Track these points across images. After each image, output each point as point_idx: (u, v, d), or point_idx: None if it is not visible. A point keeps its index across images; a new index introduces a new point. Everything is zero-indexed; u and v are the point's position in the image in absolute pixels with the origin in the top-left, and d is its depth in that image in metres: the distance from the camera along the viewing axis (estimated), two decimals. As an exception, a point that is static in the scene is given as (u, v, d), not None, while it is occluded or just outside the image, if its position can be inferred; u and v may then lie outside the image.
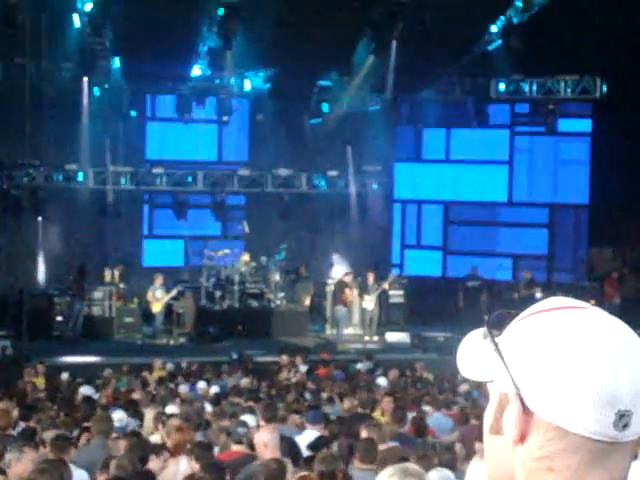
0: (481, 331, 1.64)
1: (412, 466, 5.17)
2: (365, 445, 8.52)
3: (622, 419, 1.48)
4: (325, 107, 28.22)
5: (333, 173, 28.82)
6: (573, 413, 1.50)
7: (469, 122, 29.15)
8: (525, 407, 1.54)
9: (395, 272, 28.59)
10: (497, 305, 26.03)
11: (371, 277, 25.42)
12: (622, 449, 1.51)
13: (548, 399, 1.51)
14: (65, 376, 17.87)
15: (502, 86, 28.17)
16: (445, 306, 26.59)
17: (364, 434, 9.44)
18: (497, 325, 1.63)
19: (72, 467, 8.04)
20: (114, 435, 9.90)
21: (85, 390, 14.97)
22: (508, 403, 1.56)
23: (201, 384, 16.49)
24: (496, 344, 1.59)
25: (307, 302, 26.35)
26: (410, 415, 11.87)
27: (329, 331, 25.66)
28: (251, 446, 9.01)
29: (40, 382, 17.09)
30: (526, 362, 1.54)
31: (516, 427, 1.54)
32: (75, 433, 10.52)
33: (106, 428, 9.69)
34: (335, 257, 27.42)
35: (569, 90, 27.63)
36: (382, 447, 9.00)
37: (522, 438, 1.55)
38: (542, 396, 1.52)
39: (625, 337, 1.53)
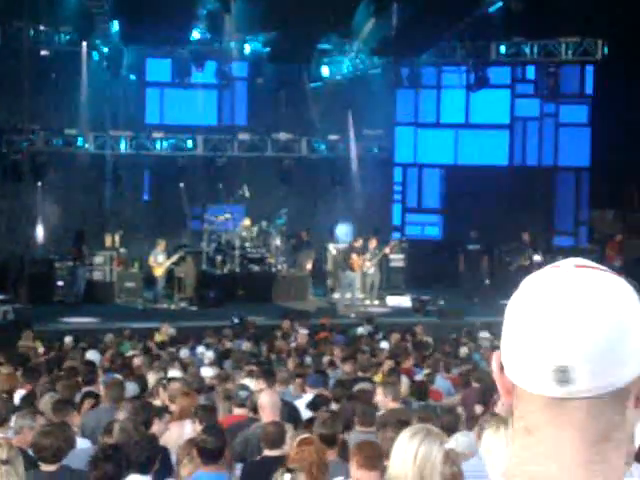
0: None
1: (434, 428, 5.17)
2: (364, 408, 8.55)
3: (560, 374, 1.49)
4: (325, 71, 28.11)
5: (333, 137, 28.75)
6: (521, 371, 1.53)
7: (469, 85, 29.06)
8: (502, 366, 1.58)
9: (396, 236, 28.59)
10: (498, 268, 26.09)
11: (372, 242, 25.39)
12: (580, 405, 1.51)
13: (505, 359, 1.56)
14: (68, 340, 17.92)
15: (503, 48, 28.06)
16: (446, 270, 26.60)
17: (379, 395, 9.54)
18: None
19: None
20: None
21: (90, 355, 15.00)
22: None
23: (202, 348, 16.54)
24: None
25: (308, 267, 26.35)
26: (407, 378, 11.91)
27: (334, 296, 25.64)
28: (253, 409, 9.05)
29: (39, 346, 17.12)
30: (505, 321, 1.57)
31: (498, 383, 1.59)
32: (77, 398, 10.55)
33: (117, 394, 9.72)
34: (339, 222, 27.41)
35: (570, 52, 27.51)
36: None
37: (508, 392, 1.59)
38: (504, 356, 1.57)
39: (571, 295, 1.52)
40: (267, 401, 8.48)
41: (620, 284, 1.54)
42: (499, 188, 28.78)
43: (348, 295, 24.62)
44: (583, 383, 1.49)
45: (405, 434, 4.93)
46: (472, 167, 29.68)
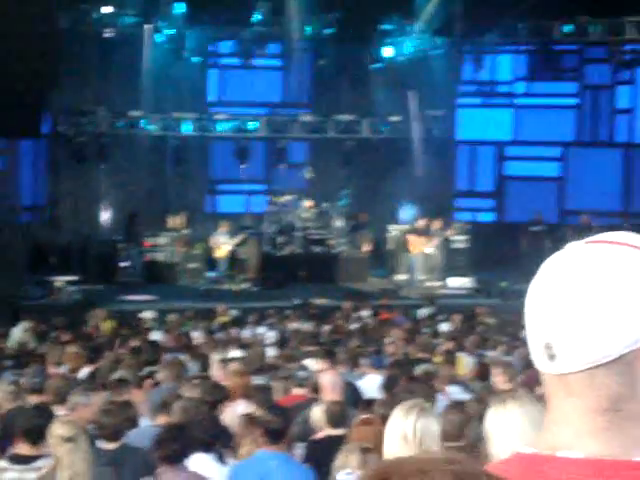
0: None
1: (427, 404, 5.19)
2: (424, 389, 8.56)
3: (547, 350, 1.57)
4: (387, 51, 28.02)
5: (395, 118, 28.65)
6: (530, 349, 1.63)
7: (534, 65, 28.81)
8: None
9: (458, 218, 28.46)
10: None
11: (435, 223, 25.31)
12: (574, 379, 1.57)
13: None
14: (146, 315, 18.13)
15: (567, 28, 27.73)
16: (508, 251, 26.42)
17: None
18: None
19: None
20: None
21: (154, 335, 15.18)
22: None
23: (263, 329, 16.64)
24: None
25: (367, 248, 26.36)
26: (471, 360, 11.89)
27: (395, 277, 25.64)
28: (312, 390, 9.10)
29: (106, 326, 17.34)
30: None
31: None
32: (141, 376, 10.69)
33: (178, 373, 9.82)
34: (403, 204, 27.36)
35: (635, 31, 27.10)
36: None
37: None
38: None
39: (561, 273, 1.59)
40: (328, 381, 8.53)
41: (628, 256, 1.58)
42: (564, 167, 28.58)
43: (407, 276, 24.62)
44: (568, 358, 1.56)
45: (399, 412, 4.92)
46: (535, 142, 29.48)
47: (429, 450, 4.64)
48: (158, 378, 10.04)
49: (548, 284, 1.59)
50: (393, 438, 4.74)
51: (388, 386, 9.09)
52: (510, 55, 29.85)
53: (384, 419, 7.09)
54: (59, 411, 7.64)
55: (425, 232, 24.83)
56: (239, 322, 17.91)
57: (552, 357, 1.57)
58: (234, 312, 19.49)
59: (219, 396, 8.30)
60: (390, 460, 1.29)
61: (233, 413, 8.28)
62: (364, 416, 7.06)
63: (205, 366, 11.66)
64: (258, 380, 10.05)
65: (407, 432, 4.70)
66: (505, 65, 30.15)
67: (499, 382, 9.54)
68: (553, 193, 29.74)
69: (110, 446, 6.82)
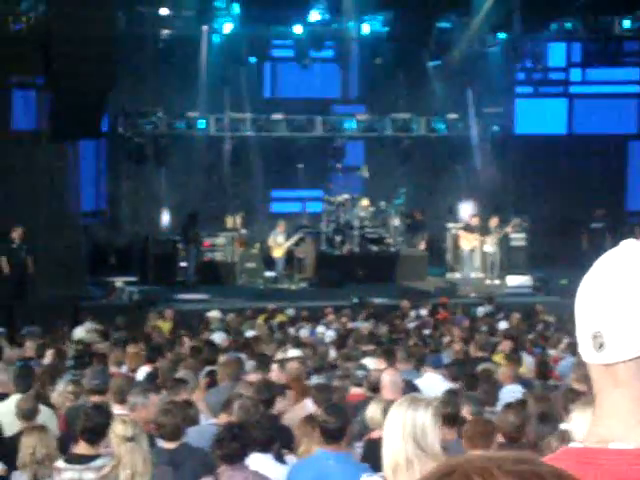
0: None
1: (420, 395, 5.17)
2: (487, 387, 8.54)
3: (595, 340, 1.61)
4: (444, 49, 27.91)
5: (453, 116, 28.53)
6: (579, 342, 1.67)
7: (592, 59, 28.51)
8: None
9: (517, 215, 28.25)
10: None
11: (494, 220, 25.20)
12: (622, 369, 1.61)
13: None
14: (212, 314, 18.24)
15: (627, 23, 27.39)
16: (568, 249, 26.17)
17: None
18: None
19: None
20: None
21: (214, 335, 15.24)
22: None
23: (322, 328, 16.66)
24: None
25: (422, 246, 26.29)
26: (530, 358, 11.81)
27: (452, 275, 25.58)
28: (371, 389, 9.09)
29: (165, 326, 17.47)
30: None
31: None
32: (200, 376, 10.75)
33: (235, 372, 9.85)
34: (462, 201, 27.27)
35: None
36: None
37: None
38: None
39: (611, 267, 1.65)
40: (389, 380, 8.52)
41: None
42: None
43: (460, 274, 24.67)
44: (617, 347, 1.59)
45: (392, 409, 4.91)
46: (597, 135, 29.14)
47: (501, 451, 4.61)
48: (217, 378, 10.10)
49: (599, 276, 1.64)
50: (387, 433, 4.73)
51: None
52: (565, 43, 29.42)
53: (444, 418, 7.09)
54: (119, 410, 7.71)
55: (477, 229, 24.75)
56: (297, 321, 17.96)
57: (600, 347, 1.60)
58: (291, 311, 19.54)
59: (271, 394, 8.33)
60: (457, 457, 1.28)
61: (296, 413, 8.30)
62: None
63: (263, 365, 11.71)
64: (318, 379, 10.06)
65: (397, 425, 4.70)
66: (559, 52, 29.72)
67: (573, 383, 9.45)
68: (614, 191, 29.35)
69: (170, 445, 6.86)
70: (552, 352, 13.39)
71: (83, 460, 6.56)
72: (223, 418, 7.84)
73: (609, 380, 1.62)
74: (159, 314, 18.57)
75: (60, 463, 6.62)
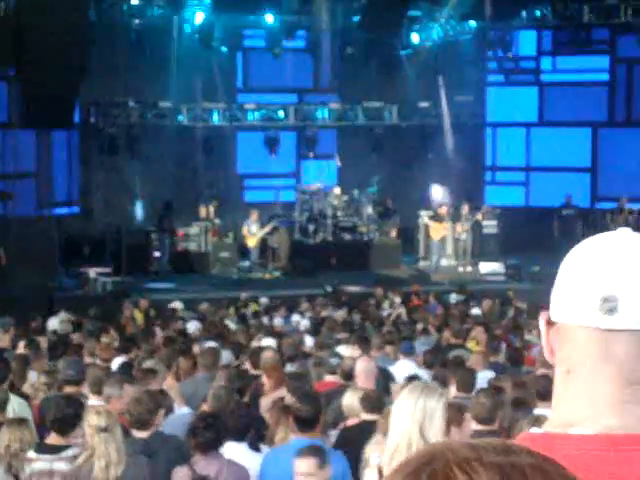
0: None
1: (432, 384, 5.22)
2: (462, 374, 8.61)
3: (606, 303, 1.55)
4: (415, 38, 27.96)
5: (424, 104, 28.59)
6: (569, 306, 1.60)
7: (562, 47, 28.61)
8: (549, 320, 1.66)
9: (488, 203, 28.40)
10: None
11: (465, 208, 25.35)
12: (624, 340, 1.57)
13: (555, 301, 1.64)
14: (175, 305, 18.29)
15: (595, 11, 27.46)
16: (539, 236, 26.30)
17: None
18: None
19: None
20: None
21: (191, 325, 15.26)
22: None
23: (297, 317, 16.71)
24: None
25: (393, 234, 26.40)
26: (502, 344, 11.91)
27: (422, 263, 25.74)
28: (345, 377, 9.15)
29: (139, 316, 17.48)
30: (555, 280, 1.66)
31: (542, 339, 1.67)
32: (174, 366, 10.77)
33: (213, 362, 9.87)
34: (434, 187, 27.35)
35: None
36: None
37: (550, 352, 1.66)
38: (554, 300, 1.65)
39: (623, 236, 1.63)
40: (363, 368, 8.58)
41: None
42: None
43: (428, 262, 24.87)
44: (628, 313, 1.55)
45: (404, 392, 4.96)
46: (567, 122, 29.22)
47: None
48: (190, 367, 10.12)
49: (609, 243, 1.61)
50: (396, 418, 4.78)
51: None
52: (535, 31, 29.45)
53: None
54: (96, 401, 7.72)
55: (446, 218, 24.88)
56: (271, 310, 18.01)
57: (612, 311, 1.55)
58: (264, 300, 19.59)
59: (245, 383, 8.37)
60: (437, 444, 1.24)
61: (271, 402, 8.35)
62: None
63: (238, 354, 11.76)
64: (292, 367, 10.12)
65: (407, 412, 4.74)
66: (529, 40, 29.75)
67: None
68: (584, 180, 29.47)
69: (143, 434, 6.88)
70: (526, 338, 13.49)
71: (54, 450, 6.57)
72: (203, 408, 7.88)
73: (600, 352, 1.57)
74: (134, 304, 18.56)
75: (31, 453, 6.63)
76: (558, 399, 1.64)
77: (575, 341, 1.60)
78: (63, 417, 6.56)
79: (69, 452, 6.46)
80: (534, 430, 1.64)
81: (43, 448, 6.66)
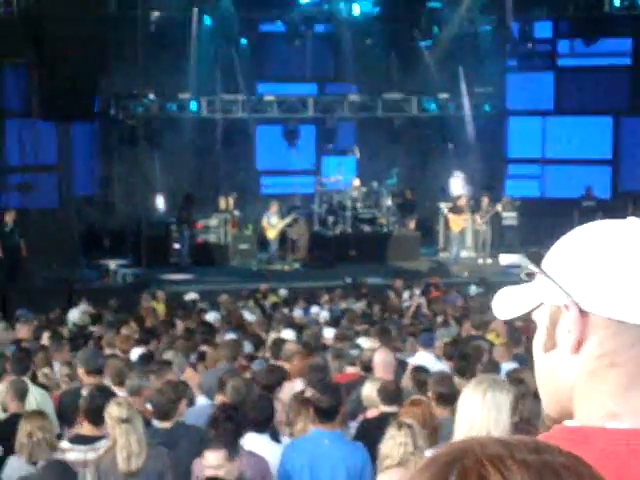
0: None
1: (499, 378, 5.18)
2: (486, 366, 8.61)
3: None
4: (435, 29, 27.89)
5: (444, 95, 28.50)
6: (629, 304, 1.56)
7: (582, 38, 28.41)
8: (581, 310, 1.60)
9: (509, 194, 28.30)
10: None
11: (485, 200, 25.29)
12: None
13: (604, 295, 1.58)
14: (191, 296, 18.35)
15: (617, 1, 27.33)
16: (560, 228, 26.09)
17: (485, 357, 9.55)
18: (535, 260, 1.72)
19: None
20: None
21: (207, 315, 15.31)
22: (559, 317, 1.64)
23: (316, 309, 16.71)
24: (538, 265, 1.68)
25: (412, 226, 26.35)
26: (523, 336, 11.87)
27: (441, 254, 25.72)
28: (364, 368, 9.16)
29: (159, 308, 17.52)
30: (574, 268, 1.61)
31: (574, 332, 1.60)
32: (193, 357, 10.80)
33: (233, 354, 9.89)
34: (453, 179, 27.28)
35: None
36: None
37: (580, 343, 1.61)
38: (598, 294, 1.58)
39: None
40: (381, 359, 8.59)
41: None
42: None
43: (448, 254, 24.83)
44: None
45: (472, 382, 4.93)
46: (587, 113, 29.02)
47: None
48: (214, 358, 10.15)
49: None
50: (462, 410, 4.76)
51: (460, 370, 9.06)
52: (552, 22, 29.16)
53: (440, 397, 7.17)
54: (119, 392, 7.76)
55: (465, 210, 24.81)
56: (291, 302, 18.02)
57: None
58: (284, 292, 19.61)
59: (277, 378, 8.35)
60: (467, 440, 1.22)
61: (291, 392, 8.37)
62: (414, 397, 7.12)
63: (258, 345, 11.78)
64: (313, 359, 10.12)
65: (475, 405, 4.72)
66: (545, 24, 29.41)
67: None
68: (604, 172, 29.30)
69: (165, 425, 6.92)
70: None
71: (88, 441, 6.63)
72: (219, 399, 7.90)
73: None
74: (152, 296, 18.61)
75: (65, 444, 6.69)
76: (591, 392, 1.61)
77: (627, 338, 1.57)
78: (96, 408, 6.60)
79: (102, 443, 6.50)
80: (569, 423, 1.62)
81: (77, 438, 6.71)
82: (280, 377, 8.40)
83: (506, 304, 1.75)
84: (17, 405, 7.77)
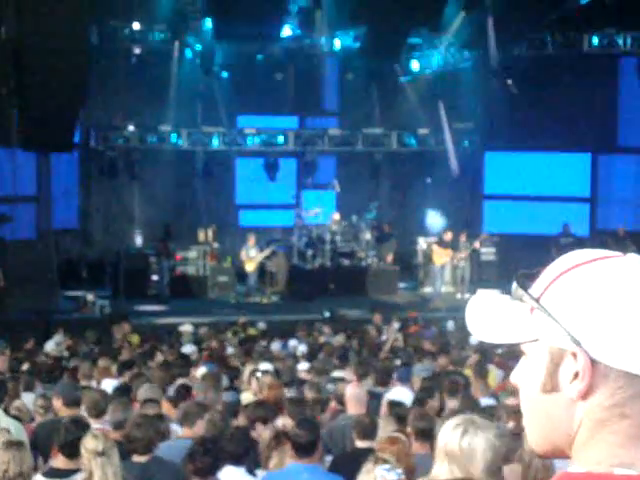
0: (499, 292, 1.67)
1: (479, 418, 5.12)
2: (465, 402, 8.59)
3: None
4: (415, 65, 28.07)
5: (423, 131, 28.66)
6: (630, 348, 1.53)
7: (562, 77, 28.63)
8: (591, 359, 1.55)
9: (486, 230, 28.39)
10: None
11: (463, 236, 25.36)
12: None
13: (618, 347, 1.54)
14: (185, 328, 18.25)
15: (595, 40, 27.60)
16: (538, 264, 26.13)
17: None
18: (525, 284, 1.67)
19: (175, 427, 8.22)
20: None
21: (185, 348, 15.26)
22: (563, 359, 1.59)
23: (294, 342, 16.68)
24: (538, 301, 1.62)
25: (389, 258, 26.38)
26: (500, 372, 11.88)
27: (423, 289, 25.75)
28: (340, 402, 9.14)
29: (135, 340, 17.44)
30: (586, 315, 1.56)
31: (584, 380, 1.56)
32: (170, 390, 10.74)
33: (214, 385, 9.84)
34: (431, 215, 27.38)
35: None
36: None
37: (589, 392, 1.57)
38: (610, 345, 1.54)
39: None
40: (352, 394, 8.57)
41: None
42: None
43: (431, 288, 24.79)
44: None
45: (449, 424, 4.86)
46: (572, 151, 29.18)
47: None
48: (194, 391, 10.10)
49: None
50: (440, 454, 4.71)
51: (420, 399, 9.07)
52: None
53: (419, 433, 7.14)
54: (96, 424, 7.70)
55: (450, 245, 24.85)
56: (268, 335, 17.98)
57: None
58: (262, 325, 19.58)
59: (267, 413, 8.29)
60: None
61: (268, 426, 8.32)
62: (392, 435, 7.08)
63: (235, 378, 11.74)
64: (289, 393, 10.10)
65: (453, 448, 4.66)
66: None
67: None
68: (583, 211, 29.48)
69: (141, 459, 6.87)
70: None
71: (63, 474, 6.56)
72: (187, 432, 7.84)
73: None
74: (129, 328, 18.51)
75: (38, 477, 6.62)
76: (598, 441, 1.57)
77: (639, 389, 1.55)
78: (72, 440, 6.54)
79: (77, 476, 6.44)
80: (574, 469, 1.59)
81: (52, 472, 6.64)
82: (269, 412, 8.36)
83: (487, 324, 1.68)
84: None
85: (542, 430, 1.65)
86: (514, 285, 1.68)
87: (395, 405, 8.62)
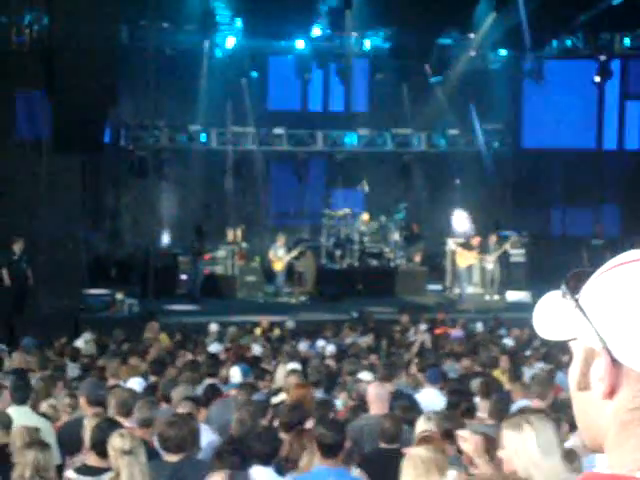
0: (559, 291, 1.66)
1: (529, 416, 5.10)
2: (497, 400, 8.56)
3: None
4: (446, 65, 27.98)
5: (453, 131, 28.57)
6: None
7: (591, 78, 28.50)
8: (614, 360, 1.55)
9: (516, 232, 28.21)
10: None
11: (493, 237, 25.21)
12: None
13: (637, 349, 1.52)
14: (213, 327, 18.26)
15: (627, 41, 27.43)
16: (568, 265, 26.03)
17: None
18: (575, 283, 1.65)
19: (204, 427, 8.20)
20: (232, 391, 10.11)
21: (213, 347, 15.26)
22: (594, 358, 1.58)
23: (322, 342, 16.65)
24: (576, 300, 1.60)
25: (417, 259, 26.30)
26: (530, 373, 11.81)
27: (449, 290, 25.64)
28: (360, 399, 9.10)
29: (164, 339, 17.46)
30: (612, 315, 1.54)
31: (605, 380, 1.55)
32: (199, 389, 10.74)
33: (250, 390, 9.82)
34: (457, 215, 27.27)
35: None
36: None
37: (612, 391, 1.56)
38: (631, 346, 1.52)
39: None
40: (373, 394, 8.52)
41: None
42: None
43: (458, 290, 24.67)
44: None
45: (504, 425, 4.89)
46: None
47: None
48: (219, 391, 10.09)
49: None
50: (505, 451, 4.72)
51: (452, 402, 9.01)
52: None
53: (446, 434, 7.08)
54: (124, 423, 7.70)
55: (475, 247, 24.66)
56: (297, 335, 17.96)
57: None
58: (291, 324, 19.56)
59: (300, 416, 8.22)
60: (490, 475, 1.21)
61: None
62: (425, 433, 7.02)
63: (262, 378, 11.72)
64: (317, 393, 10.07)
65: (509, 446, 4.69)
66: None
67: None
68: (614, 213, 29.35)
69: (173, 458, 6.85)
70: (550, 367, 13.37)
71: (94, 472, 6.58)
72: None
73: None
74: (158, 327, 18.53)
75: (71, 473, 6.64)
76: (622, 443, 1.57)
77: None
78: (104, 439, 6.54)
79: (108, 474, 6.45)
80: (599, 470, 1.59)
81: (83, 469, 6.66)
82: (302, 415, 8.30)
83: (546, 320, 1.70)
84: (1, 435, 7.73)
85: (585, 426, 1.66)
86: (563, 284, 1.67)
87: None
